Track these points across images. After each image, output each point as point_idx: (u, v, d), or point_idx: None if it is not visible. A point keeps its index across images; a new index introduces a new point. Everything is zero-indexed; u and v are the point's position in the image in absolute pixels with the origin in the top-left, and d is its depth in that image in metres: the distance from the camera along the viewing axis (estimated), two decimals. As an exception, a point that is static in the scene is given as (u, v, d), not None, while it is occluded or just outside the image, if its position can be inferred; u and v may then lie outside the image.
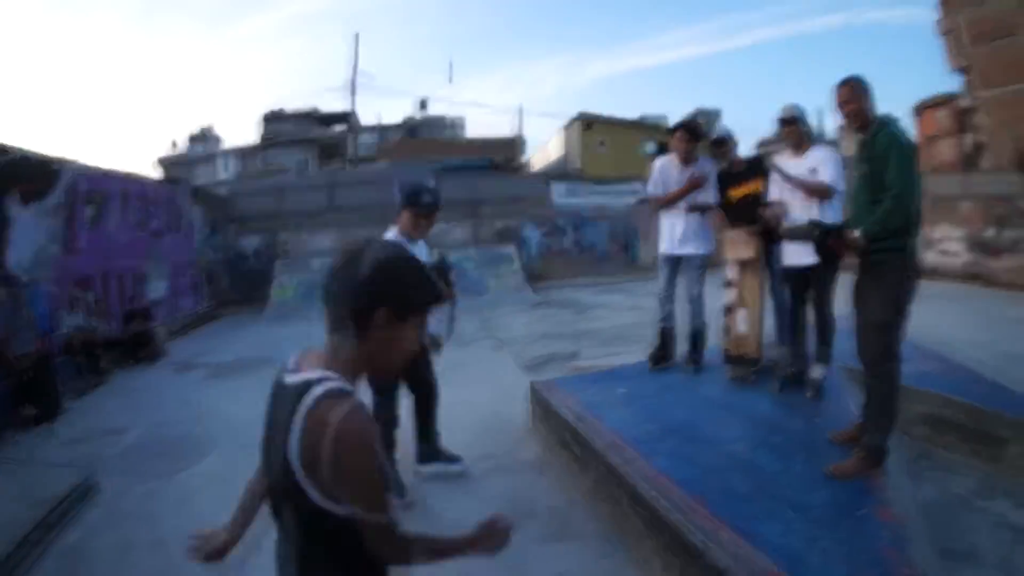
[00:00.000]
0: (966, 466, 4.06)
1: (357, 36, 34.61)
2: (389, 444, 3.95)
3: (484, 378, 6.90)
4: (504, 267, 16.13)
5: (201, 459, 4.92)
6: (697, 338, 5.47)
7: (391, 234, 3.76)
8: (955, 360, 5.59)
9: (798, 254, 4.43)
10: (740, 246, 5.03)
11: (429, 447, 4.37)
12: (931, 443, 4.36)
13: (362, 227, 16.67)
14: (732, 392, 4.92)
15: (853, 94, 3.53)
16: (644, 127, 29.34)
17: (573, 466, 4.28)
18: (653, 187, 5.54)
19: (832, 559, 2.62)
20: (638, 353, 6.10)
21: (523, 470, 4.47)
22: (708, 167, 5.39)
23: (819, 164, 4.50)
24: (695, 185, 5.27)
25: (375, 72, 59.49)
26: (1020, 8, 27.23)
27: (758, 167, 5.13)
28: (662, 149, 29.92)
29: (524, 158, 32.28)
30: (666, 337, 5.59)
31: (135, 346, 8.81)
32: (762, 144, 28.61)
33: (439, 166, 20.65)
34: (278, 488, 1.33)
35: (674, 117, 40.81)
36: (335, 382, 1.28)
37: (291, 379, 1.33)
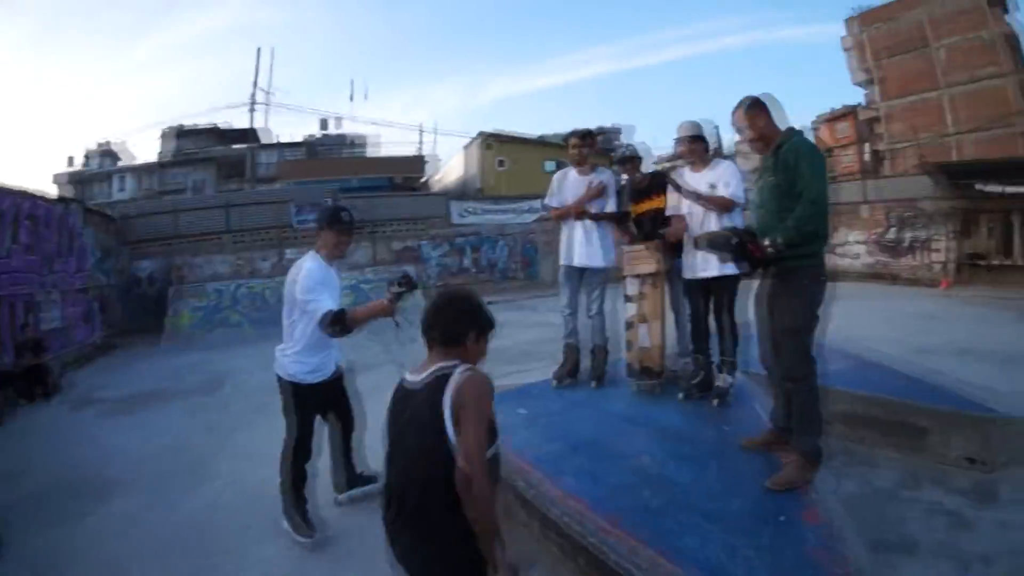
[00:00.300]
0: (888, 459, 4.13)
1: (259, 51, 34.20)
2: (302, 478, 3.89)
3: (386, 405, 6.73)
4: (404, 287, 16.24)
5: (107, 501, 4.65)
6: (599, 354, 5.37)
7: (311, 255, 3.79)
8: (866, 357, 5.73)
9: (702, 265, 4.44)
10: (642, 260, 4.99)
11: (349, 474, 4.34)
12: (850, 440, 4.41)
13: (260, 250, 16.31)
14: (638, 405, 4.80)
15: (751, 119, 3.52)
16: (546, 145, 29.48)
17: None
18: (550, 198, 5.40)
19: (757, 567, 2.53)
20: (544, 370, 5.93)
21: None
22: (607, 176, 5.28)
23: (721, 179, 4.50)
24: (594, 195, 5.15)
25: (278, 90, 58.12)
26: (928, 22, 30.34)
27: (661, 183, 5.01)
28: (563, 167, 29.84)
29: (427, 177, 32.46)
30: (571, 353, 5.45)
31: (30, 381, 8.25)
32: (664, 160, 29.77)
33: (339, 186, 20.52)
34: (421, 466, 1.92)
35: (578, 136, 41.41)
36: (468, 365, 2.03)
37: (418, 377, 2.04)
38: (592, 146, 5.39)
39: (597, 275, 5.30)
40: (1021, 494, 3.77)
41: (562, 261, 5.38)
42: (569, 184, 5.32)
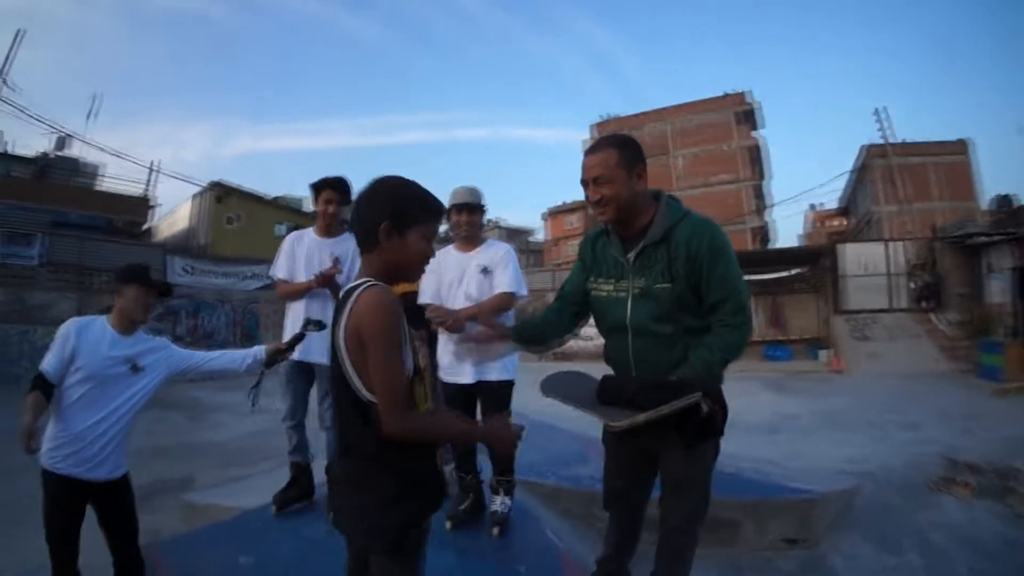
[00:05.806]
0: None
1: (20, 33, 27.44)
2: None
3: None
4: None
5: None
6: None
7: (104, 318, 3.12)
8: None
9: (453, 368, 3.53)
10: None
11: None
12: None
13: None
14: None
15: (625, 168, 2.30)
16: (280, 207, 28.01)
17: None
18: (277, 269, 4.08)
19: None
20: (266, 480, 4.70)
21: None
22: (352, 245, 3.69)
23: (495, 263, 3.59)
24: (329, 278, 3.76)
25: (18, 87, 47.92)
26: (671, 133, 36.83)
27: None
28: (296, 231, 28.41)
29: (150, 224, 28.28)
30: (300, 474, 4.04)
31: None
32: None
33: (52, 219, 18.00)
34: (342, 406, 1.71)
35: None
36: (373, 281, 1.69)
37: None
38: (347, 202, 3.96)
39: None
40: (852, 560, 3.90)
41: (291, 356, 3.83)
42: (304, 253, 4.05)
